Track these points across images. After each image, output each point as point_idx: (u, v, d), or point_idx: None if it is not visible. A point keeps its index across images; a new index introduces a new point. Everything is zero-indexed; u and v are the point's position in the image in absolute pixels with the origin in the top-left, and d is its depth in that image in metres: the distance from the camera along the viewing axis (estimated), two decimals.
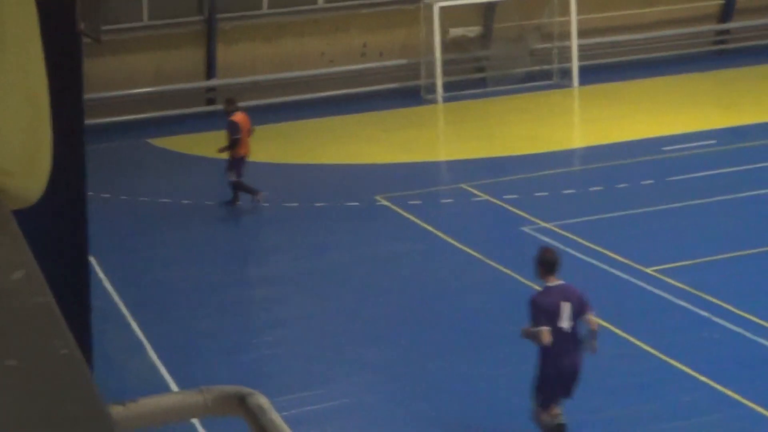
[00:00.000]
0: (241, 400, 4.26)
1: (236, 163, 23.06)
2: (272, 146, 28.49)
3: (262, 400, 4.24)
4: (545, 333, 12.66)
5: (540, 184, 23.74)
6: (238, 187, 23.14)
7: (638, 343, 15.42)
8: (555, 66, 35.05)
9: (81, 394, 1.90)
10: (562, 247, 19.83)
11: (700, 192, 22.66)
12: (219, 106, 31.88)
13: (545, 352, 12.92)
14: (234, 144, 22.94)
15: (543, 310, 12.91)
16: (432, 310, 17.47)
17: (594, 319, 13.08)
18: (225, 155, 23.33)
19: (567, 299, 12.91)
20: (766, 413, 13.13)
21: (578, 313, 12.95)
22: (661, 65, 36.47)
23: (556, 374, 13.09)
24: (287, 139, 30.05)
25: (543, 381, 13.04)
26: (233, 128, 23.07)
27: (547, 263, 13.23)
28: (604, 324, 16.11)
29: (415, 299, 17.99)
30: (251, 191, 23.03)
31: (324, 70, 33.96)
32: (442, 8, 32.65)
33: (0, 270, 2.12)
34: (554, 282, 13.15)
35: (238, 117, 23.38)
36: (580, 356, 13.08)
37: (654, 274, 18.16)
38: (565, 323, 12.76)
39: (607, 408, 14.11)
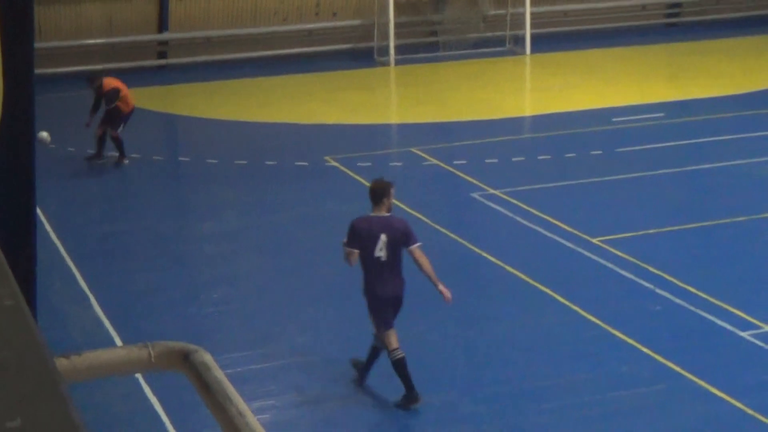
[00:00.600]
0: (186, 357, 4.22)
1: (124, 118, 22.89)
2: (223, 103, 28.35)
3: (207, 357, 4.19)
4: (353, 254, 13.49)
5: (490, 151, 23.77)
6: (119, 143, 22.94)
7: (582, 312, 15.47)
8: (508, 33, 35.07)
9: (26, 345, 1.85)
10: (510, 214, 19.94)
11: (648, 164, 22.77)
12: (171, 60, 31.68)
13: (366, 278, 13.56)
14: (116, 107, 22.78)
15: (357, 235, 13.54)
16: None
17: (418, 251, 13.44)
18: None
19: (384, 231, 13.35)
20: (705, 385, 13.24)
21: (398, 244, 13.38)
22: (612, 36, 36.64)
23: (376, 299, 13.51)
24: (238, 96, 29.89)
25: (370, 305, 13.53)
26: (114, 94, 22.86)
27: (371, 193, 13.84)
28: (549, 292, 16.23)
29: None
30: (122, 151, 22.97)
31: (276, 28, 33.77)
32: None
33: None
34: (379, 213, 13.58)
35: (113, 82, 23.22)
36: (399, 285, 13.49)
37: (600, 244, 18.24)
38: (380, 252, 13.30)
39: (550, 376, 14.18)
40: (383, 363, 13.38)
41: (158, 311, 16.13)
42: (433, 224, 19.39)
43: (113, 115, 22.94)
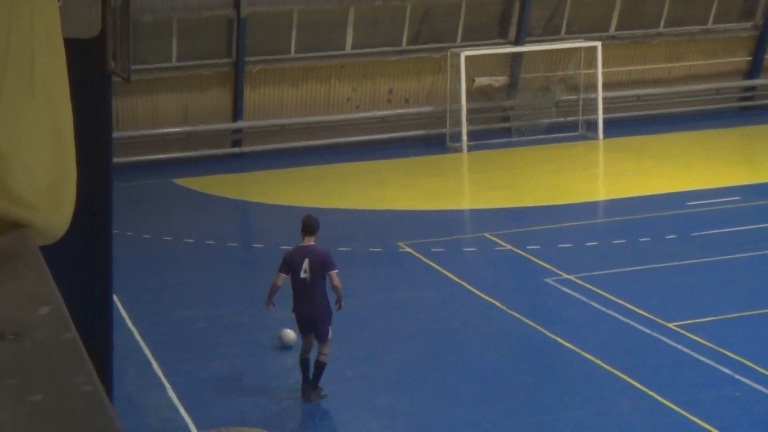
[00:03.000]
0: None
1: None
2: (297, 190, 28.54)
3: None
4: (280, 278, 16.55)
5: (563, 236, 23.68)
6: None
7: (658, 397, 15.27)
8: (580, 117, 35.07)
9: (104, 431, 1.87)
10: (584, 299, 19.79)
11: (724, 248, 22.54)
12: (245, 149, 32.05)
13: (294, 296, 16.54)
14: None
15: (287, 262, 16.54)
16: (451, 359, 17.38)
17: (334, 276, 16.38)
18: None
19: (308, 256, 16.27)
20: None
21: (319, 269, 16.25)
22: (686, 120, 36.46)
23: (298, 313, 16.57)
24: (311, 183, 30.11)
25: (296, 317, 16.76)
26: None
27: (302, 225, 16.77)
28: (625, 378, 16.04)
29: (435, 347, 17.88)
30: None
31: (349, 116, 34.06)
32: (468, 57, 32.75)
33: (26, 305, 2.09)
34: (305, 243, 16.52)
35: None
36: (317, 303, 16.37)
37: (676, 329, 18.04)
38: (303, 274, 16.17)
39: None
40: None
41: (232, 399, 16.13)
42: (507, 309, 19.30)
43: None
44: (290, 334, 17.98)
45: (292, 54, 33.38)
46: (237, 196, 24.28)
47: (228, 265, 23.13)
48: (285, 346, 17.86)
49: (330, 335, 16.35)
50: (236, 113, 32.76)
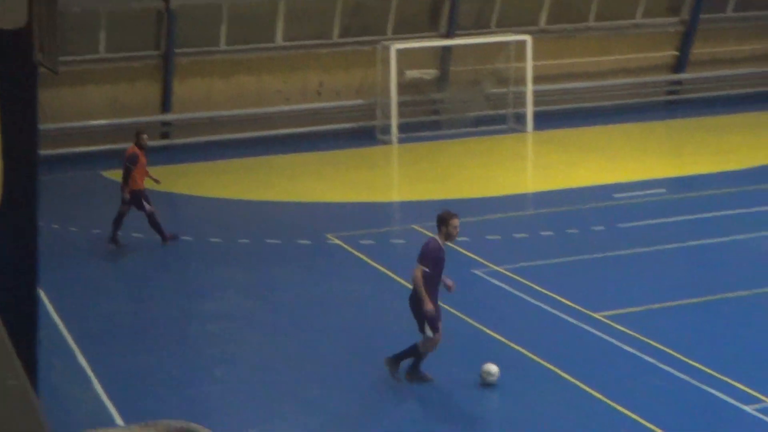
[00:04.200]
0: None
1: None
2: (226, 182, 28.45)
3: None
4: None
5: (492, 228, 23.83)
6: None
7: (586, 388, 15.38)
8: (509, 111, 35.30)
9: (29, 425, 1.88)
10: (512, 290, 19.91)
11: (650, 239, 22.79)
12: (174, 140, 31.85)
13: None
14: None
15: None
16: (380, 351, 17.38)
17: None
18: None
19: None
20: None
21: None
22: (613, 113, 36.88)
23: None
24: (241, 175, 30.06)
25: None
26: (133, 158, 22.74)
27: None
28: (552, 368, 16.18)
29: (364, 339, 17.88)
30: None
31: (279, 108, 33.99)
32: (398, 50, 32.79)
33: None
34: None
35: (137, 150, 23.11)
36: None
37: (603, 319, 18.20)
38: None
39: None
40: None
41: (160, 390, 16.02)
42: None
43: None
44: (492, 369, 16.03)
45: (222, 47, 33.27)
46: (165, 189, 24.06)
47: (156, 257, 22.96)
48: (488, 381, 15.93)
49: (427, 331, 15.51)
50: (165, 105, 32.59)
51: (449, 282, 16.10)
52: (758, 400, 14.71)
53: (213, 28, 32.80)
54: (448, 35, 34.97)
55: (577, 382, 15.66)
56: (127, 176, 22.39)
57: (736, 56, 39.66)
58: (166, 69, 32.32)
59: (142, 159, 22.64)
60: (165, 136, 32.86)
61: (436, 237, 16.02)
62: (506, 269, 20.91)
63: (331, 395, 15.74)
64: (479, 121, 34.75)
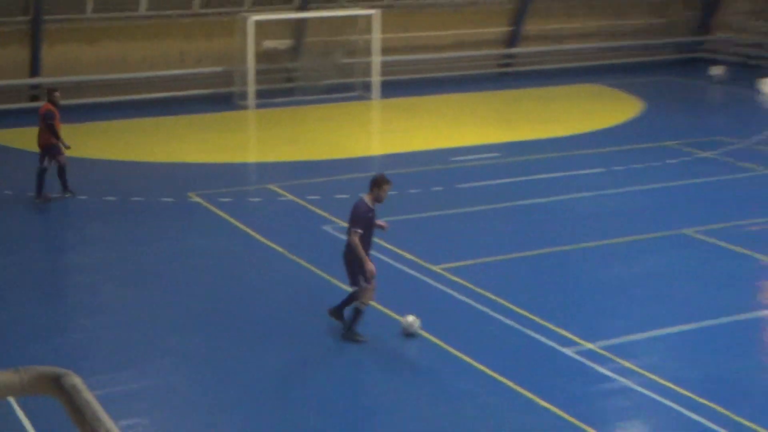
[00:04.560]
0: (56, 380, 4.19)
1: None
2: (93, 143, 27.96)
3: (76, 380, 4.17)
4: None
5: (341, 187, 23.93)
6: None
7: (426, 334, 15.62)
8: (358, 80, 35.45)
9: None
10: None
11: (484, 199, 23.21)
12: (42, 103, 31.18)
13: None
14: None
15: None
16: (237, 302, 17.38)
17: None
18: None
19: None
20: (534, 398, 13.51)
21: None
22: (453, 84, 37.39)
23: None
24: (108, 137, 29.61)
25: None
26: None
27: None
28: (393, 315, 16.37)
29: (222, 292, 17.83)
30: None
31: (144, 74, 33.53)
32: (256, 21, 32.64)
33: None
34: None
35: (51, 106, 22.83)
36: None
37: (441, 271, 18.52)
38: None
39: (388, 392, 14.31)
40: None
41: (26, 341, 15.71)
42: (287, 254, 19.43)
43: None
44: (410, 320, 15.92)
45: (89, 14, 32.61)
46: (32, 149, 23.55)
47: (24, 214, 22.48)
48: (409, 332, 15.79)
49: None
50: (34, 69, 31.82)
51: (383, 223, 16.07)
52: (576, 344, 15.17)
53: None
54: (302, 8, 34.90)
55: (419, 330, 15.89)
56: (51, 130, 22.25)
57: (563, 33, 40.50)
58: (34, 34, 31.50)
59: (58, 115, 22.35)
60: (34, 98, 32.02)
61: (365, 197, 15.69)
62: None
63: (191, 341, 15.68)
64: (331, 89, 34.86)
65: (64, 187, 22.68)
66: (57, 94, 22.80)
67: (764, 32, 40.49)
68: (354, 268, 15.50)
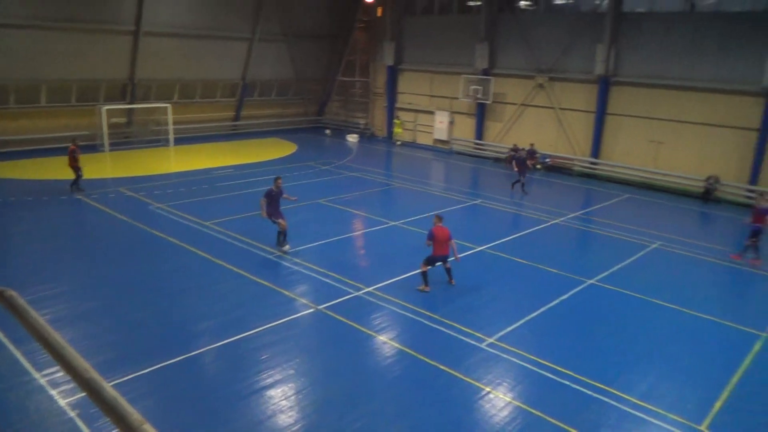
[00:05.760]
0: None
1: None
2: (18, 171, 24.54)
3: (12, 292, 2.99)
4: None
5: (157, 187, 22.11)
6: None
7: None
8: (162, 136, 33.39)
9: None
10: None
11: (228, 189, 21.94)
12: None
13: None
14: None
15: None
16: (101, 248, 15.05)
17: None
18: None
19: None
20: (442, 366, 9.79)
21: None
22: (209, 138, 35.35)
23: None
24: (31, 165, 25.99)
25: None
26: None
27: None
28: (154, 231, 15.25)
29: (85, 243, 15.44)
30: None
31: (48, 135, 29.70)
32: (107, 109, 30.00)
33: None
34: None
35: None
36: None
37: (211, 225, 17.31)
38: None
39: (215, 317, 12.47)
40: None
41: None
42: (131, 221, 17.69)
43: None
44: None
45: (11, 104, 28.51)
46: None
47: None
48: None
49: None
50: None
51: (292, 197, 14.99)
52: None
53: None
54: (132, 102, 32.55)
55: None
56: None
57: (261, 115, 39.18)
58: None
59: None
60: None
61: (273, 186, 14.58)
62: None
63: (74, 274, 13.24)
64: (148, 141, 32.77)
65: None
66: None
67: (343, 115, 41.70)
68: (271, 216, 14.51)
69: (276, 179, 14.83)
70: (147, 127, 33.54)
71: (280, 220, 14.47)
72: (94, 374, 2.60)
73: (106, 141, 30.74)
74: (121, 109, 32.49)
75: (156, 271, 13.65)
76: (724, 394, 9.39)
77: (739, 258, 15.51)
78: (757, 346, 10.91)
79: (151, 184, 23.20)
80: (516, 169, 22.38)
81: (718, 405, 9.13)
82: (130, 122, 33.41)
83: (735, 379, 9.83)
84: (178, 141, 33.71)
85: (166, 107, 32.99)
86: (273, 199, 14.45)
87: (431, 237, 12.07)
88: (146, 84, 32.96)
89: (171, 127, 33.16)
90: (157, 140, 33.46)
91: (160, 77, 33.14)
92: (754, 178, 21.96)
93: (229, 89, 37.29)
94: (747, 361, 10.41)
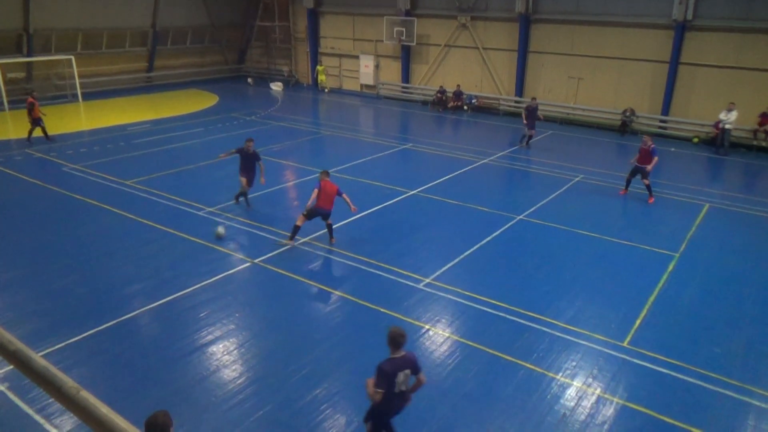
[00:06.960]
0: None
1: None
2: None
3: None
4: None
5: (68, 147, 21.11)
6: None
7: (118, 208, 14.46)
8: (69, 91, 31.43)
9: None
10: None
11: (146, 146, 21.19)
12: None
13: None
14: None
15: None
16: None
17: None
18: None
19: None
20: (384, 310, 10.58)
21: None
22: (121, 92, 34.02)
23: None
24: None
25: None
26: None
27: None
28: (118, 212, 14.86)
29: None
30: None
31: None
32: (2, 63, 27.71)
33: None
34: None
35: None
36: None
37: (133, 184, 16.94)
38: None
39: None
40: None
41: None
42: (44, 184, 16.78)
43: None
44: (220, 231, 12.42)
45: None
46: None
47: None
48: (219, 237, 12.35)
49: None
50: None
51: (261, 179, 14.04)
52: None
53: None
54: (29, 55, 30.17)
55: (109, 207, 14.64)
56: None
57: (178, 64, 37.88)
58: None
59: None
60: None
61: (245, 145, 13.84)
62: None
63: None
64: (53, 97, 30.71)
65: None
66: None
67: (265, 62, 40.82)
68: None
69: (246, 141, 14.14)
70: (50, 81, 31.32)
71: (242, 177, 14.05)
72: (20, 345, 2.52)
73: (5, 98, 28.60)
74: (18, 63, 30.04)
75: (77, 235, 13.11)
76: (643, 312, 9.91)
77: (624, 192, 15.83)
78: (671, 266, 11.53)
79: (62, 143, 21.88)
80: (525, 122, 20.70)
81: (637, 322, 9.65)
82: (29, 77, 31.04)
83: (652, 298, 10.37)
84: (88, 96, 31.84)
85: (69, 59, 30.85)
86: (244, 159, 14.03)
87: (318, 188, 11.83)
88: (44, 34, 30.60)
89: (78, 81, 31.16)
90: (63, 96, 31.42)
91: (59, 26, 30.85)
92: (665, 109, 22.90)
93: (138, 38, 35.33)
94: (662, 280, 11.00)
